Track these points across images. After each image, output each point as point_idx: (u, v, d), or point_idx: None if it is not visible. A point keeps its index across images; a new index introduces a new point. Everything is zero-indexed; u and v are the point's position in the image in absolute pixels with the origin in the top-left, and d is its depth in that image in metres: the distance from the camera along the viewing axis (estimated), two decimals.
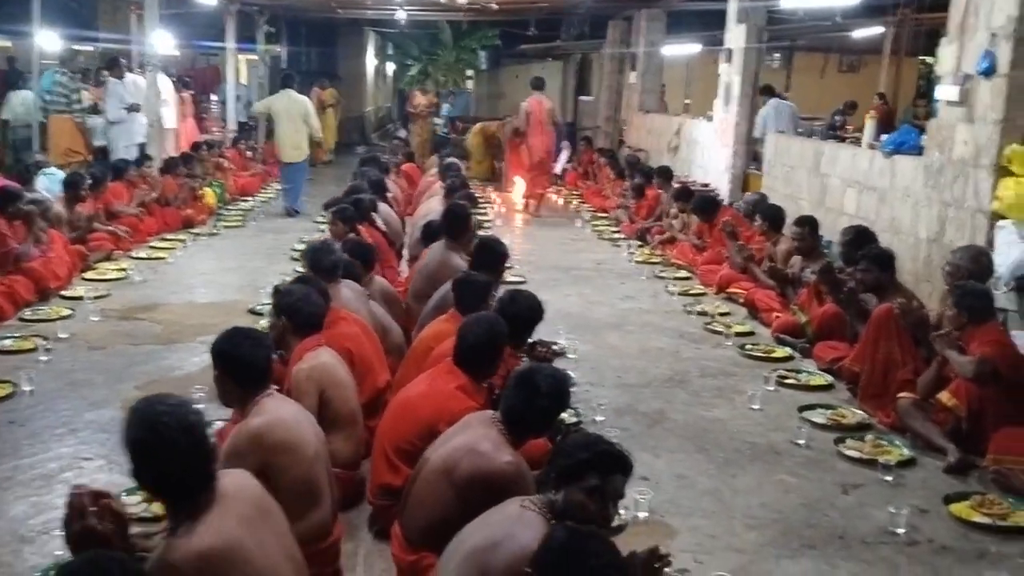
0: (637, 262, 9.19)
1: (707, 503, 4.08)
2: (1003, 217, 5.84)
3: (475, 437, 3.09)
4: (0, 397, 4.85)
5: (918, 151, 6.98)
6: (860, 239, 6.05)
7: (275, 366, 3.57)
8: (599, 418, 4.93)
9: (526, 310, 4.24)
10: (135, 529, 2.64)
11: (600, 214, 12.14)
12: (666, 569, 3.33)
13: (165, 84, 12.10)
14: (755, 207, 8.17)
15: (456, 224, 6.26)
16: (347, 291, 4.93)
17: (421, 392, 3.66)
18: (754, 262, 7.54)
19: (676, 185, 10.44)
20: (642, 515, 3.89)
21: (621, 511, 3.83)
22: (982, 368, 4.45)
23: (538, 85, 12.74)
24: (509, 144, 13.40)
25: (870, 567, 3.59)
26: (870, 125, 7.89)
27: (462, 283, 4.76)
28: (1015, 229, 5.67)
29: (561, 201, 13.61)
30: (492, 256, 5.42)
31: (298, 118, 11.21)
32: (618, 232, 10.83)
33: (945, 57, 6.56)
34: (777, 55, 21.52)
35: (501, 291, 4.75)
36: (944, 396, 4.63)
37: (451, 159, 10.86)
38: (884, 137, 7.52)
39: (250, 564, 2.36)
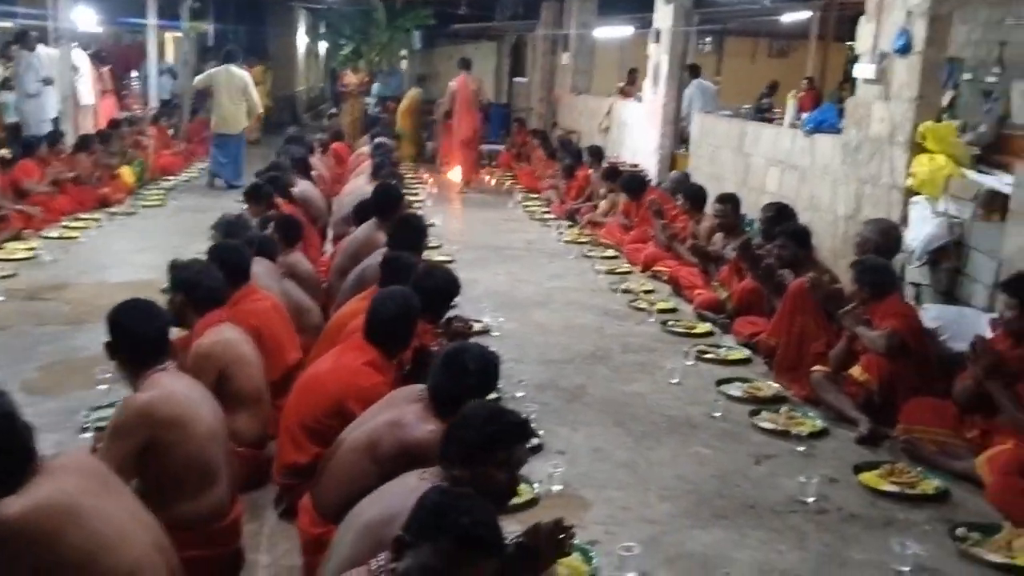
0: (566, 242, 9.18)
1: (622, 475, 4.07)
2: (917, 193, 5.94)
3: (399, 412, 3.02)
4: None
5: (838, 130, 7.06)
6: (780, 216, 6.11)
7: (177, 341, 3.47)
8: (519, 393, 4.88)
9: (442, 284, 4.17)
10: None
11: (532, 195, 12.10)
12: (576, 540, 3.37)
13: (82, 59, 11.71)
14: (679, 186, 8.21)
15: (386, 203, 6.15)
16: (258, 268, 4.78)
17: (328, 368, 3.57)
18: (678, 240, 7.58)
19: (605, 165, 10.44)
20: (556, 488, 3.86)
21: (535, 485, 3.83)
22: (891, 342, 4.52)
23: (465, 66, 12.80)
24: (442, 125, 13.34)
25: (779, 535, 3.61)
26: (791, 105, 7.97)
27: (391, 262, 4.66)
28: (928, 204, 5.77)
29: (494, 182, 13.54)
30: (412, 233, 5.33)
31: (237, 92, 11.28)
32: (549, 212, 10.81)
33: (863, 36, 6.65)
34: (709, 39, 21.75)
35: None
36: (856, 371, 4.70)
37: (382, 139, 10.70)
38: (805, 116, 7.59)
39: (84, 525, 2.25)
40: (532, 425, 4.33)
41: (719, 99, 11.54)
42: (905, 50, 6.05)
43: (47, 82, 10.47)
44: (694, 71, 11.31)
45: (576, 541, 3.32)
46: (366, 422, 3.05)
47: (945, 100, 12.15)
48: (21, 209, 8.13)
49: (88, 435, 3.98)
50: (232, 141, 11.54)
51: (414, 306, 3.62)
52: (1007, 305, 4.11)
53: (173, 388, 3.04)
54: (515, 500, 3.64)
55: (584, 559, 3.29)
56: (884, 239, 5.35)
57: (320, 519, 2.98)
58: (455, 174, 12.64)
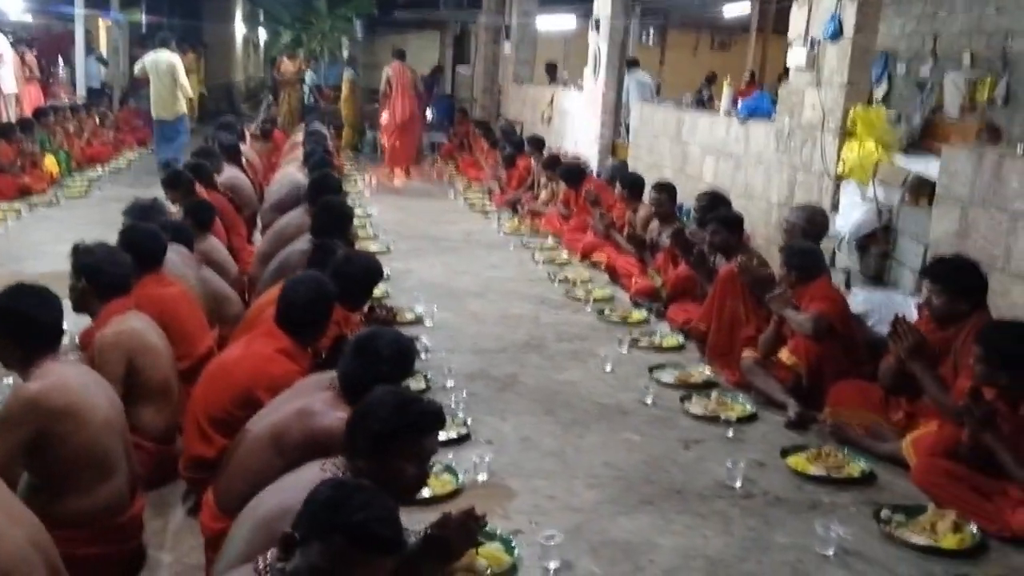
0: (506, 232, 9.09)
1: (549, 464, 3.99)
2: (847, 179, 5.96)
3: (307, 401, 2.89)
4: None
5: (770, 117, 7.07)
6: (713, 203, 6.08)
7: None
8: (449, 383, 4.78)
9: (362, 271, 4.05)
10: None
11: (475, 184, 12.00)
12: (499, 531, 3.29)
13: (3, 45, 11.29)
14: (616, 174, 8.17)
15: (320, 191, 5.99)
16: (174, 255, 4.61)
17: (237, 356, 3.42)
18: (615, 229, 7.53)
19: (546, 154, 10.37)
20: (481, 478, 3.76)
21: (460, 475, 3.73)
22: (819, 324, 4.51)
23: (400, 56, 12.84)
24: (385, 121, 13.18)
25: (704, 520, 3.56)
26: (727, 93, 7.96)
27: (320, 248, 4.52)
28: (857, 190, 5.79)
29: (435, 172, 13.39)
30: (335, 218, 5.19)
31: (167, 76, 10.96)
32: (490, 203, 10.71)
33: (795, 22, 6.66)
34: (651, 32, 21.84)
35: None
36: (784, 354, 4.69)
37: (317, 126, 10.50)
38: (739, 103, 7.60)
39: None
40: (460, 415, 4.30)
41: (658, 92, 11.55)
42: (835, 36, 6.06)
43: None
44: (632, 64, 11.28)
45: (499, 531, 3.29)
46: (272, 411, 2.92)
47: (880, 92, 12.34)
48: None
49: None
50: (167, 127, 11.23)
51: (328, 292, 3.49)
52: (929, 289, 4.11)
53: (65, 376, 2.87)
54: (439, 491, 3.58)
55: (506, 549, 3.20)
56: (810, 224, 5.35)
57: (222, 514, 2.84)
58: (396, 176, 12.41)
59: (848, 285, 5.82)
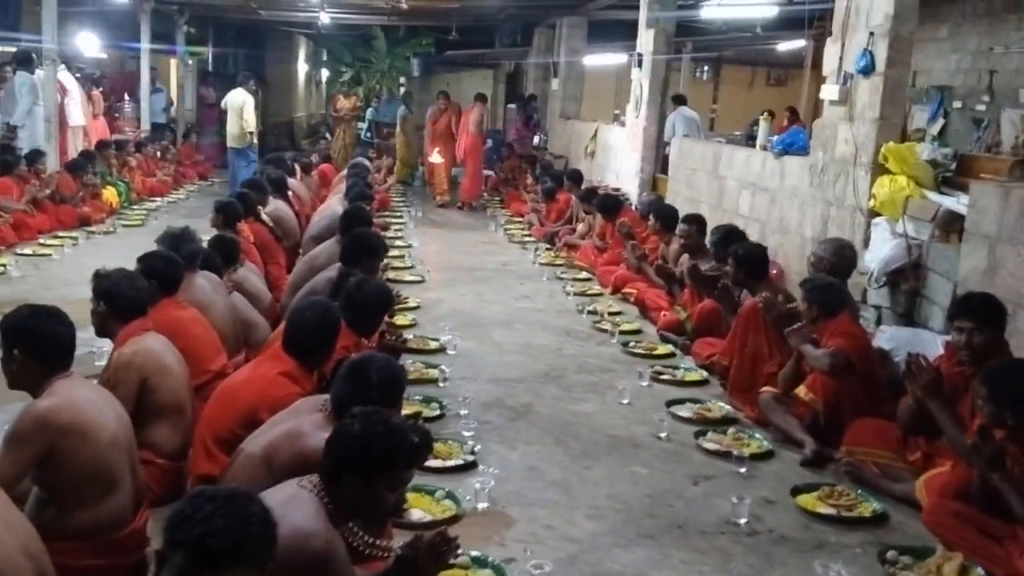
0: (541, 264, 9.15)
1: (552, 494, 3.99)
2: (879, 214, 5.89)
3: (298, 422, 2.97)
4: None
5: (806, 152, 7.02)
6: (728, 238, 6.05)
7: None
8: (463, 411, 4.82)
9: (372, 297, 4.13)
10: None
11: (517, 218, 12.10)
12: (491, 558, 3.31)
13: (70, 81, 11.79)
14: (650, 208, 8.18)
15: (352, 223, 6.15)
16: (202, 280, 4.78)
17: (244, 379, 3.53)
18: (647, 262, 7.53)
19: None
20: (481, 506, 3.79)
21: (461, 501, 3.76)
22: (836, 360, 4.45)
23: (481, 99, 13.95)
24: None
25: (703, 556, 3.53)
26: (764, 127, 7.93)
27: (343, 277, 4.64)
28: (887, 226, 5.72)
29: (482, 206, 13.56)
30: (362, 248, 5.30)
31: (237, 110, 12.20)
32: (529, 235, 10.79)
33: (829, 57, 6.63)
34: (706, 67, 21.84)
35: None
36: (801, 390, 4.62)
37: (359, 159, 10.74)
38: (775, 138, 7.56)
39: None
40: (469, 443, 4.33)
41: (707, 127, 11.49)
42: (867, 71, 6.02)
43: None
44: (678, 100, 11.29)
45: (492, 559, 3.31)
46: (266, 431, 3.00)
47: (935, 129, 12.13)
48: None
49: None
50: (236, 155, 12.45)
51: (333, 317, 3.57)
52: (966, 328, 4.01)
53: (74, 395, 2.99)
54: (439, 515, 3.61)
55: None
56: (838, 259, 5.29)
57: None
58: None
59: (879, 322, 5.73)
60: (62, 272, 7.72)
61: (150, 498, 3.38)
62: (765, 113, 8.62)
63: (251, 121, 12.34)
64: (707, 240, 6.45)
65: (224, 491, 1.96)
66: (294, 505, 2.37)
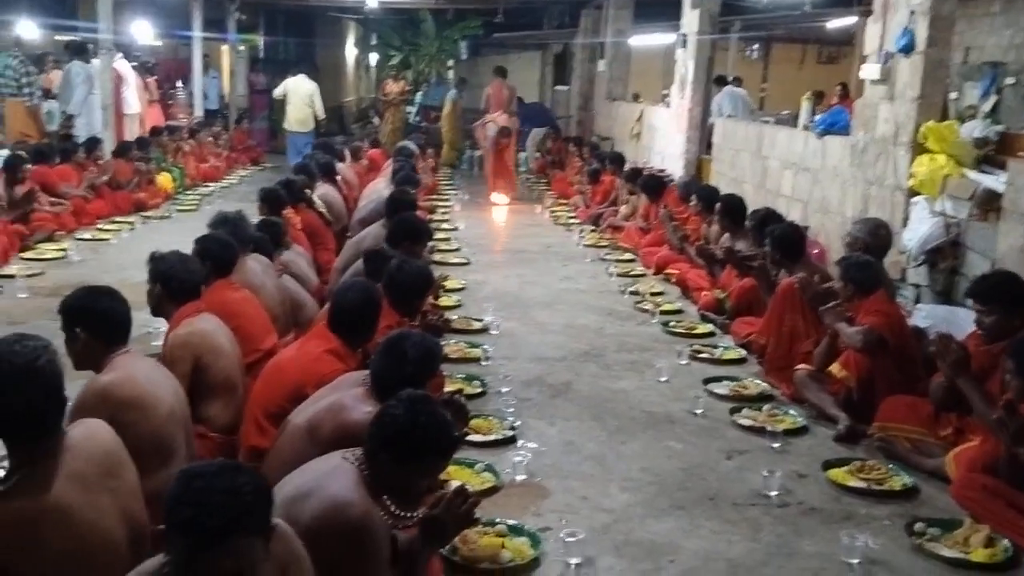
0: (585, 245, 9.25)
1: (587, 467, 4.13)
2: (918, 193, 5.89)
3: (340, 396, 3.13)
4: None
5: (847, 131, 7.02)
6: (765, 221, 6.10)
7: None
8: (504, 389, 4.97)
9: (414, 278, 4.28)
10: None
11: (563, 201, 12.20)
12: (527, 527, 3.45)
13: (126, 69, 12.14)
14: (687, 188, 8.24)
15: (398, 206, 6.31)
16: (254, 263, 4.98)
17: (291, 356, 3.70)
18: (689, 243, 7.60)
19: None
20: (519, 478, 3.93)
21: (500, 473, 3.91)
22: (869, 338, 4.50)
23: (500, 73, 13.38)
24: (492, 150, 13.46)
25: (733, 526, 3.64)
26: (805, 107, 7.93)
27: (372, 255, 4.81)
28: (927, 205, 5.72)
29: (528, 189, 13.66)
30: (407, 231, 5.46)
31: (305, 97, 13.72)
32: (574, 217, 10.90)
33: (870, 36, 6.62)
34: (756, 46, 21.59)
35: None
36: (835, 367, 4.68)
37: (405, 143, 10.92)
38: (817, 118, 7.56)
39: (72, 525, 2.30)
40: (509, 418, 4.48)
41: (757, 105, 11.41)
42: (908, 49, 6.01)
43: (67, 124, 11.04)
44: (721, 81, 11.27)
45: (528, 527, 3.46)
46: (310, 405, 3.17)
47: (987, 105, 11.94)
48: (50, 209, 8.46)
49: None
50: (299, 139, 13.84)
51: (374, 298, 3.72)
52: (977, 310, 4.07)
53: (133, 370, 3.17)
54: (478, 487, 3.77)
55: (532, 544, 3.36)
56: (873, 239, 5.32)
57: None
58: (499, 197, 12.62)
59: (918, 301, 5.75)
60: (119, 256, 8.03)
61: None
62: (809, 94, 8.57)
63: (320, 110, 13.97)
64: (747, 224, 6.48)
65: (213, 466, 1.95)
66: (335, 475, 2.52)
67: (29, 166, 8.26)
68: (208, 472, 1.90)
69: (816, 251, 6.83)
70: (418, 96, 19.01)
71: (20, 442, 2.34)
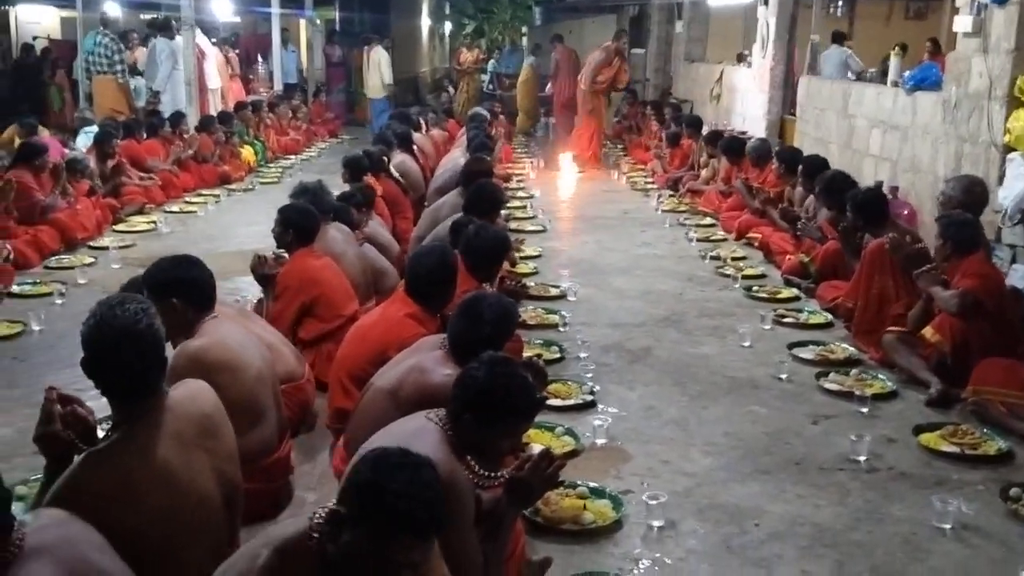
0: (663, 210, 9.13)
1: (669, 431, 4.10)
2: (1014, 149, 5.64)
3: (421, 358, 3.17)
4: (8, 335, 5.12)
5: (939, 87, 6.75)
6: (832, 186, 5.93)
7: None
8: (583, 354, 4.96)
9: (490, 243, 4.28)
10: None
11: (640, 166, 12.05)
12: (609, 490, 3.45)
13: (207, 45, 12.38)
14: (758, 152, 8.09)
15: (473, 174, 6.33)
16: (334, 231, 5.06)
17: (373, 320, 3.76)
18: (773, 205, 7.41)
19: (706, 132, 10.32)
20: (600, 442, 3.93)
21: (580, 437, 3.92)
22: (964, 301, 4.35)
23: (558, 39, 14.38)
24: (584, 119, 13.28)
25: (820, 491, 3.57)
26: (895, 63, 7.63)
27: (457, 224, 4.84)
28: (1023, 161, 5.47)
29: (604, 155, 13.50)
30: (484, 199, 5.47)
31: (376, 66, 15.30)
32: (651, 182, 10.76)
33: None
34: (840, 2, 20.86)
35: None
36: (927, 331, 4.54)
37: (477, 109, 10.91)
38: (907, 74, 7.27)
39: (169, 483, 2.36)
40: (588, 383, 4.48)
41: (862, 65, 11.03)
42: (1003, 0, 5.72)
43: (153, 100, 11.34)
44: (838, 38, 11.02)
45: (610, 490, 3.46)
46: (392, 367, 3.21)
47: None
48: (140, 183, 8.72)
49: None
50: (376, 103, 15.61)
51: (449, 263, 3.73)
52: None
53: (224, 334, 3.26)
54: (559, 450, 3.77)
55: (614, 506, 3.36)
56: (967, 196, 5.11)
57: (348, 458, 3.15)
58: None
59: (1013, 261, 5.52)
60: (207, 228, 8.24)
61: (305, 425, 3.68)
62: (897, 48, 8.23)
63: (386, 76, 15.11)
64: (818, 188, 6.29)
65: (409, 460, 1.92)
66: (420, 436, 2.54)
67: (117, 141, 8.49)
68: (407, 464, 1.89)
69: (906, 211, 6.61)
70: (490, 64, 18.93)
71: (121, 401, 2.42)
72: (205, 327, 3.25)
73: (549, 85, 16.00)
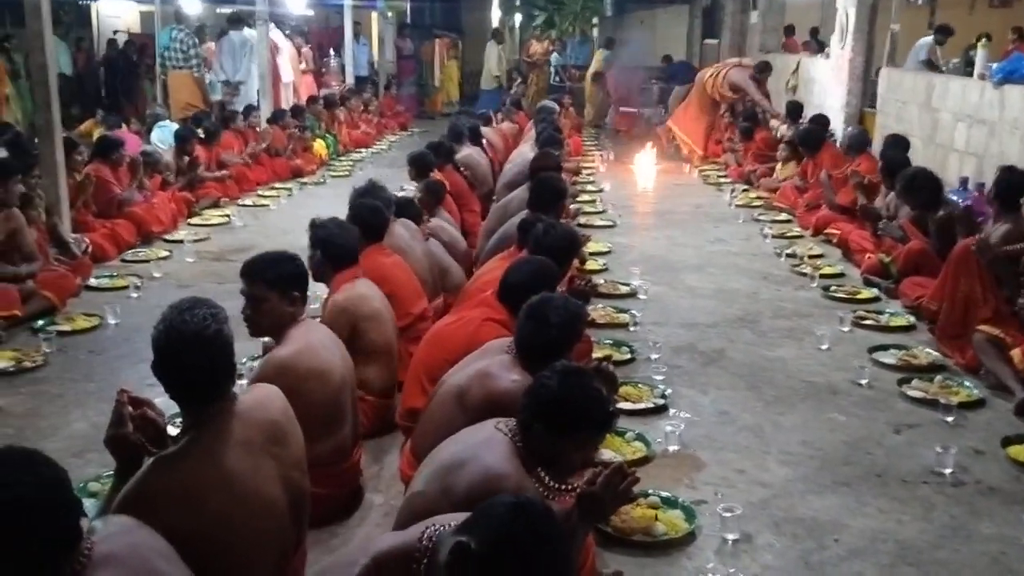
0: (738, 205, 8.93)
1: (743, 439, 3.98)
2: None
3: (488, 362, 3.11)
4: (86, 329, 5.22)
5: None
6: (914, 183, 5.71)
7: None
8: (654, 356, 4.85)
9: (560, 241, 4.18)
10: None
11: (713, 159, 11.81)
12: (681, 500, 3.35)
13: (280, 39, 12.52)
14: (851, 141, 7.79)
15: (539, 168, 6.25)
16: (400, 228, 5.03)
17: (456, 322, 3.70)
18: (866, 193, 7.05)
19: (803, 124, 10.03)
20: (672, 448, 3.83)
21: (652, 443, 3.82)
22: None
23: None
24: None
25: (903, 505, 3.42)
26: (981, 54, 7.31)
27: (525, 223, 4.76)
28: None
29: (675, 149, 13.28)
30: (548, 193, 5.37)
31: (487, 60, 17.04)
32: (724, 176, 10.54)
33: None
34: None
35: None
36: (1016, 356, 4.29)
37: (545, 103, 10.81)
38: (994, 66, 6.96)
39: (235, 490, 2.34)
40: (659, 387, 4.37)
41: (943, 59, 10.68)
42: None
43: (232, 91, 11.48)
44: (943, 31, 10.66)
45: (682, 500, 3.36)
46: (460, 370, 3.16)
47: None
48: (218, 176, 8.86)
49: (243, 381, 4.32)
50: (489, 95, 16.72)
51: (547, 275, 3.59)
52: None
53: (310, 341, 3.22)
54: (630, 457, 3.69)
55: (686, 517, 3.26)
56: None
57: (416, 462, 3.11)
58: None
59: None
60: (279, 221, 8.32)
61: (362, 433, 3.65)
62: (983, 39, 7.89)
63: (492, 69, 16.76)
64: (898, 187, 6.02)
65: (540, 512, 1.82)
66: (489, 446, 2.48)
67: (195, 141, 8.63)
68: (540, 521, 1.79)
69: (991, 210, 6.31)
70: (553, 57, 18.77)
71: (191, 406, 2.41)
72: (292, 333, 3.20)
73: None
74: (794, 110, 10.47)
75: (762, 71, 11.19)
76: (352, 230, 4.14)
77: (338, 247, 4.01)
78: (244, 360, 4.63)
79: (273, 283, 3.18)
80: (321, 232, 4.04)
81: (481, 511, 1.83)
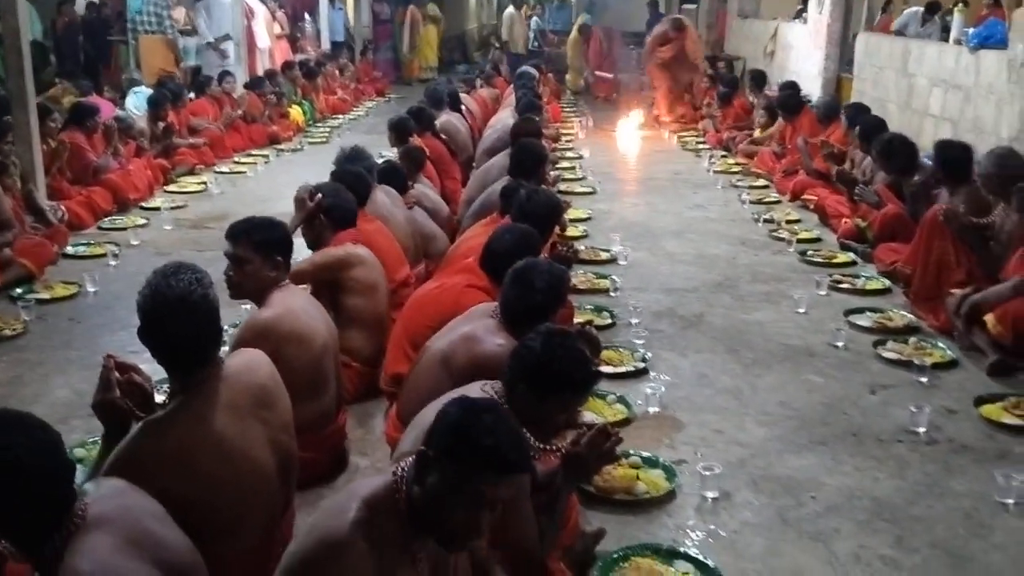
0: (716, 172, 8.97)
1: (722, 400, 4.04)
2: None
3: (473, 326, 3.14)
4: (65, 297, 5.20)
5: (1004, 45, 6.49)
6: (892, 147, 5.77)
7: None
8: (634, 320, 4.90)
9: (543, 208, 4.20)
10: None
11: (691, 126, 11.83)
12: (662, 460, 3.42)
13: (254, 2, 12.35)
14: (825, 109, 7.83)
15: (520, 134, 6.24)
16: (382, 195, 5.03)
17: (438, 287, 3.73)
18: (837, 162, 7.13)
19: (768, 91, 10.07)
20: (652, 410, 3.89)
21: (632, 405, 3.88)
22: (1019, 289, 4.20)
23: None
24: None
25: (878, 463, 3.50)
26: (957, 19, 7.35)
27: (507, 190, 4.77)
28: None
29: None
30: (530, 159, 5.38)
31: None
32: (703, 143, 10.57)
33: None
34: None
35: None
36: (989, 320, 4.34)
37: (524, 68, 10.77)
38: (970, 31, 7.01)
39: (224, 453, 2.36)
40: (640, 350, 4.42)
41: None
42: None
43: (215, 47, 11.27)
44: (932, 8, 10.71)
45: (662, 460, 3.42)
46: (445, 335, 3.18)
47: None
48: (192, 142, 8.77)
49: (225, 348, 4.33)
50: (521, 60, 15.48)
51: (530, 245, 3.60)
52: None
53: (293, 306, 3.23)
54: (611, 419, 3.74)
55: (667, 477, 3.33)
56: (999, 170, 4.86)
57: (401, 426, 3.14)
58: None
59: None
60: (257, 188, 8.28)
61: (347, 399, 3.68)
62: (960, 3, 7.92)
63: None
64: (874, 152, 6.08)
65: (488, 404, 2.00)
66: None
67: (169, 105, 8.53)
68: (489, 410, 1.94)
69: None
70: (532, 22, 18.63)
71: (178, 371, 2.42)
72: (273, 297, 3.21)
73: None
74: (759, 77, 10.51)
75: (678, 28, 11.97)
76: (348, 192, 4.17)
77: (341, 210, 4.04)
78: (227, 327, 4.63)
79: (258, 246, 3.19)
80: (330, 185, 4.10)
81: (435, 422, 1.96)
